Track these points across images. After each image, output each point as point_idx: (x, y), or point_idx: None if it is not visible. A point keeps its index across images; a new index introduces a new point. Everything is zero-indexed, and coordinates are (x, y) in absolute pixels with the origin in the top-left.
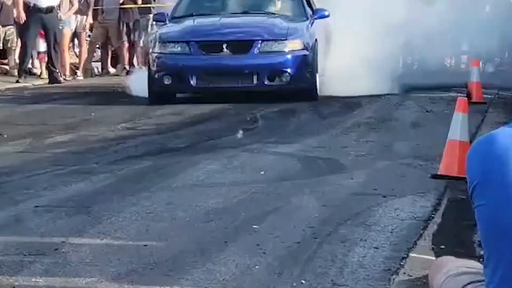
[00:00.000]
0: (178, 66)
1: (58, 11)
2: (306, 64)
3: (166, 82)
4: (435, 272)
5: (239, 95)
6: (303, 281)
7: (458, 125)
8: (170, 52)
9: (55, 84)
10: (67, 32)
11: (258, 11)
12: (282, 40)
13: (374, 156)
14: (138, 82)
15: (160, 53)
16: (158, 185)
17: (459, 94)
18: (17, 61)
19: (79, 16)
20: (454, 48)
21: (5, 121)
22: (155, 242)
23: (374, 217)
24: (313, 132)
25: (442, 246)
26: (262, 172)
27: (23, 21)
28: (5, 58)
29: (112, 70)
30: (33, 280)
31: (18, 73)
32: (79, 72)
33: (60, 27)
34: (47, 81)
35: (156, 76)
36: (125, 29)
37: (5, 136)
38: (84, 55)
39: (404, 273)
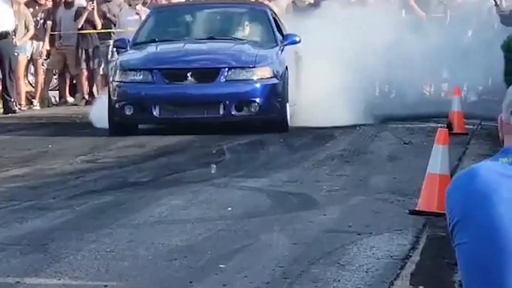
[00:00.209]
0: (140, 95)
1: (13, 37)
2: (276, 93)
3: (127, 113)
4: None
5: (205, 126)
6: None
7: (438, 158)
8: (131, 81)
9: (10, 114)
10: (23, 59)
11: (225, 37)
12: (250, 67)
13: (348, 191)
14: (98, 112)
15: (121, 81)
16: (119, 222)
17: (439, 125)
18: None
19: (35, 42)
20: (434, 75)
21: None
22: (116, 282)
23: (348, 256)
24: (284, 165)
25: (421, 287)
26: (229, 208)
27: None
28: None
29: (70, 99)
30: None
31: None
32: (35, 101)
33: (15, 54)
34: (1, 111)
35: (117, 106)
36: (84, 56)
37: None
38: (41, 83)
39: None
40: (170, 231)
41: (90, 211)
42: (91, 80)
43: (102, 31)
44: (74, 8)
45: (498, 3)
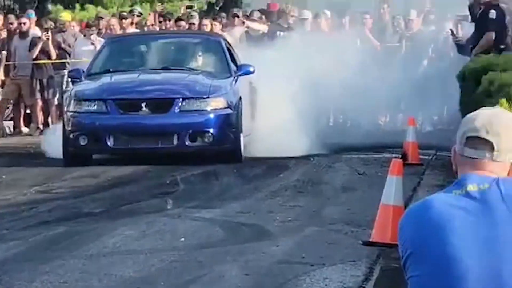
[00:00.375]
0: (94, 125)
1: None
2: (230, 124)
3: (81, 143)
4: None
5: (159, 156)
6: None
7: (392, 189)
8: (86, 111)
9: None
10: None
11: (179, 67)
12: (204, 98)
13: (302, 221)
14: (52, 143)
15: (75, 111)
16: (72, 253)
17: (393, 155)
18: None
19: None
20: (389, 105)
21: None
22: None
23: (301, 287)
24: (237, 196)
25: None
26: (182, 239)
27: None
28: None
29: (25, 129)
30: None
31: None
32: None
33: None
34: None
35: (71, 136)
36: (38, 86)
37: None
38: None
39: None
40: (123, 262)
41: (44, 242)
42: (45, 110)
43: (57, 61)
44: (29, 38)
45: (455, 32)
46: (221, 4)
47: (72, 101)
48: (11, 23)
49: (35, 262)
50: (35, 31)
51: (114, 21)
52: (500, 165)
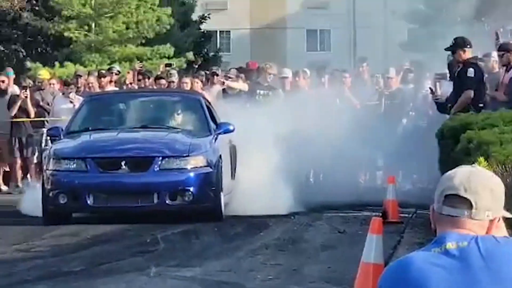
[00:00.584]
0: (73, 184)
1: None
2: (210, 182)
3: (61, 201)
4: None
5: (139, 215)
6: None
7: (372, 247)
8: (65, 169)
9: None
10: None
11: (158, 126)
12: (184, 156)
13: (282, 280)
14: (32, 201)
15: (54, 170)
16: None
17: (373, 213)
18: None
19: None
20: (368, 163)
21: None
22: None
23: None
24: (218, 254)
25: None
26: None
27: None
28: None
29: (4, 187)
30: None
31: None
32: None
33: None
34: None
35: (50, 194)
36: (17, 144)
37: None
38: None
39: None
40: None
41: None
42: (24, 168)
43: (36, 119)
44: (7, 96)
45: (434, 90)
46: (200, 62)
47: (51, 160)
48: None
49: None
50: (14, 89)
51: (93, 79)
52: (478, 223)
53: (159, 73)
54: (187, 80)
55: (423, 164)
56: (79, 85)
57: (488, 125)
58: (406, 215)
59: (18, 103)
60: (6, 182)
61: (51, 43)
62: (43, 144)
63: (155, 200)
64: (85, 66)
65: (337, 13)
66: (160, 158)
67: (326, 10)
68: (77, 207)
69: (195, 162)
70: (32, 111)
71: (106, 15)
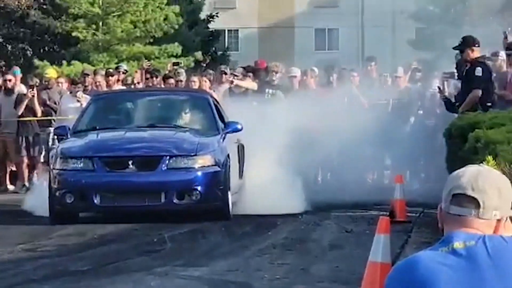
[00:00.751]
0: (80, 183)
1: None
2: (218, 181)
3: (68, 201)
4: None
5: (146, 214)
6: None
7: (380, 246)
8: (72, 169)
9: None
10: None
11: (166, 125)
12: (191, 155)
13: (290, 279)
14: (38, 200)
15: (61, 169)
16: None
17: (381, 213)
18: None
19: None
20: (376, 162)
21: None
22: None
23: None
24: (225, 254)
25: None
26: None
27: None
28: None
29: (10, 187)
30: None
31: None
32: None
33: None
34: None
35: (57, 194)
36: (24, 143)
37: None
38: None
39: None
40: None
41: None
42: (31, 167)
43: (43, 118)
44: (14, 95)
45: (442, 89)
46: (208, 61)
47: (58, 159)
48: None
49: None
50: (21, 88)
51: (100, 78)
52: (486, 223)
53: (167, 72)
54: (195, 79)
55: (430, 163)
56: (87, 84)
57: (496, 124)
58: (414, 214)
59: (25, 102)
60: (12, 181)
61: (58, 41)
62: (50, 143)
63: (163, 200)
64: (92, 65)
65: (345, 12)
66: (168, 157)
67: (335, 9)
68: (84, 206)
69: (203, 161)
70: (39, 110)
71: (113, 14)
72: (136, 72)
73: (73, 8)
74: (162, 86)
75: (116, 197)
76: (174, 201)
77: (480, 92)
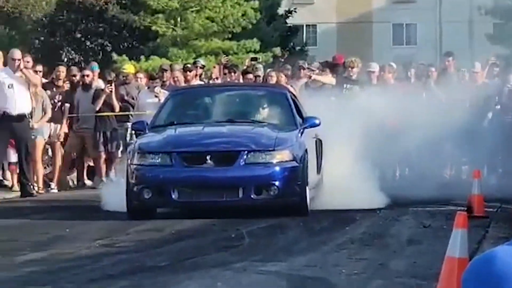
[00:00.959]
0: (158, 179)
1: (30, 120)
2: (296, 177)
3: (145, 196)
4: None
5: (224, 209)
6: None
7: (457, 242)
8: (150, 164)
9: (28, 198)
10: (40, 142)
11: (244, 120)
12: (269, 151)
13: (368, 275)
14: (116, 196)
15: (139, 164)
16: None
17: (458, 208)
18: None
19: (52, 125)
20: (454, 158)
21: None
22: None
23: None
24: (303, 249)
25: None
26: None
27: None
28: None
29: (88, 182)
30: None
31: None
32: (53, 185)
33: (32, 137)
34: (18, 194)
35: (135, 189)
36: (102, 138)
37: None
38: (59, 166)
39: None
40: None
41: None
42: (109, 163)
43: (120, 113)
44: (92, 91)
45: None
46: (286, 56)
47: (136, 154)
48: (74, 75)
49: None
50: (98, 83)
51: (178, 74)
52: None
53: (245, 67)
54: (272, 74)
55: (508, 158)
56: (165, 79)
57: None
58: (491, 209)
59: (103, 98)
60: (90, 176)
61: (136, 37)
62: (127, 139)
63: (240, 195)
64: (170, 60)
65: (423, 8)
66: (246, 152)
67: (412, 4)
68: (161, 202)
69: (281, 157)
70: (117, 105)
71: (192, 9)
72: (214, 67)
73: (151, 2)
74: (240, 81)
75: (194, 193)
76: (252, 196)
77: None
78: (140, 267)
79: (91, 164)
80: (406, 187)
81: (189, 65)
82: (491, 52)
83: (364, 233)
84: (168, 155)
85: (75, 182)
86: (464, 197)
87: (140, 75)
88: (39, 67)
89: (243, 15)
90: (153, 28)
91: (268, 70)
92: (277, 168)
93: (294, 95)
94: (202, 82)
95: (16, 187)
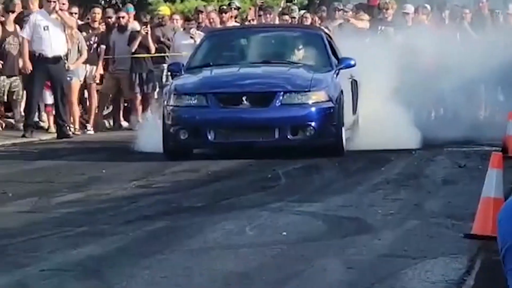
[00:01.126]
0: (194, 120)
1: (66, 61)
2: (331, 117)
3: (182, 137)
4: None
5: (259, 150)
6: None
7: (493, 182)
8: (186, 105)
9: (64, 139)
10: (76, 84)
11: (279, 61)
12: (305, 91)
13: (403, 215)
14: (152, 137)
15: (175, 106)
16: (173, 248)
17: (493, 148)
18: (23, 114)
19: (88, 66)
20: (488, 98)
21: (9, 178)
22: None
23: (402, 281)
24: (338, 189)
25: None
26: (284, 233)
27: (29, 71)
28: (11, 111)
29: (124, 123)
30: None
31: (24, 127)
32: (89, 126)
33: (68, 78)
34: (55, 135)
35: (171, 130)
36: (138, 80)
37: (10, 195)
38: (95, 108)
39: None
40: (224, 257)
41: (144, 236)
42: (145, 104)
43: (156, 55)
44: (128, 32)
45: None
46: None
47: (172, 95)
48: (110, 17)
49: (135, 257)
50: (134, 25)
51: (214, 15)
52: None
53: (280, 8)
54: (307, 15)
55: None
56: (200, 21)
57: None
58: None
59: (139, 39)
60: (126, 118)
61: None
62: (163, 80)
63: (276, 135)
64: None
65: None
66: (282, 93)
67: None
68: (198, 143)
69: (317, 97)
70: (152, 47)
71: None
72: (249, 9)
73: None
74: (276, 23)
75: (230, 133)
76: (288, 137)
77: None
78: (176, 208)
79: (127, 105)
80: (441, 127)
81: (224, 7)
82: None
83: (400, 174)
84: (204, 96)
85: (111, 124)
86: (499, 138)
87: (176, 16)
88: (75, 9)
89: None
90: None
91: (303, 11)
92: (313, 109)
93: (329, 36)
94: (238, 24)
95: (53, 128)
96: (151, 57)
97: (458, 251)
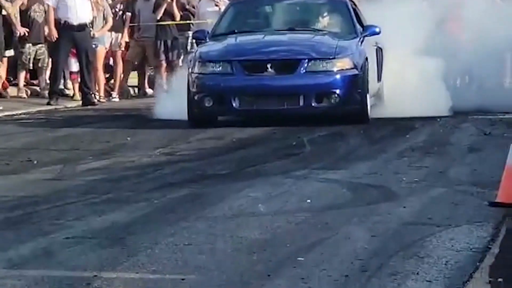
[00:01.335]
0: (219, 87)
1: (91, 29)
2: (356, 85)
3: (206, 105)
4: None
5: (284, 117)
6: None
7: None
8: (210, 72)
9: (89, 106)
10: (101, 51)
11: (304, 28)
12: (330, 59)
13: (428, 183)
14: (176, 105)
15: (200, 73)
16: (197, 215)
17: None
18: (48, 81)
19: (114, 34)
20: None
21: (35, 146)
22: (194, 275)
23: (427, 249)
24: (363, 157)
25: (500, 279)
26: (308, 201)
27: (55, 39)
28: (36, 79)
29: (149, 91)
30: None
31: (49, 95)
32: (114, 93)
33: (93, 46)
34: (80, 103)
35: (195, 98)
36: (162, 47)
37: (35, 162)
38: (120, 75)
39: None
40: (249, 224)
41: (168, 204)
42: (170, 71)
43: (181, 22)
44: (153, 0)
45: None
46: None
47: (197, 63)
48: None
49: (160, 224)
50: None
51: None
52: None
53: None
54: None
55: None
56: None
57: None
58: None
59: (164, 6)
60: (151, 85)
61: None
62: (188, 47)
63: (301, 103)
64: None
65: None
66: (306, 60)
67: None
68: (222, 110)
69: (342, 65)
70: (177, 14)
71: None
72: None
73: None
74: None
75: (255, 101)
76: (313, 104)
77: None
78: (201, 175)
79: (152, 73)
80: (466, 95)
81: None
82: None
83: (425, 141)
84: (228, 64)
85: (136, 91)
86: None
87: None
88: None
89: None
90: None
91: None
92: (338, 76)
93: (354, 3)
94: None
95: (78, 96)
96: (176, 24)
97: (483, 219)
